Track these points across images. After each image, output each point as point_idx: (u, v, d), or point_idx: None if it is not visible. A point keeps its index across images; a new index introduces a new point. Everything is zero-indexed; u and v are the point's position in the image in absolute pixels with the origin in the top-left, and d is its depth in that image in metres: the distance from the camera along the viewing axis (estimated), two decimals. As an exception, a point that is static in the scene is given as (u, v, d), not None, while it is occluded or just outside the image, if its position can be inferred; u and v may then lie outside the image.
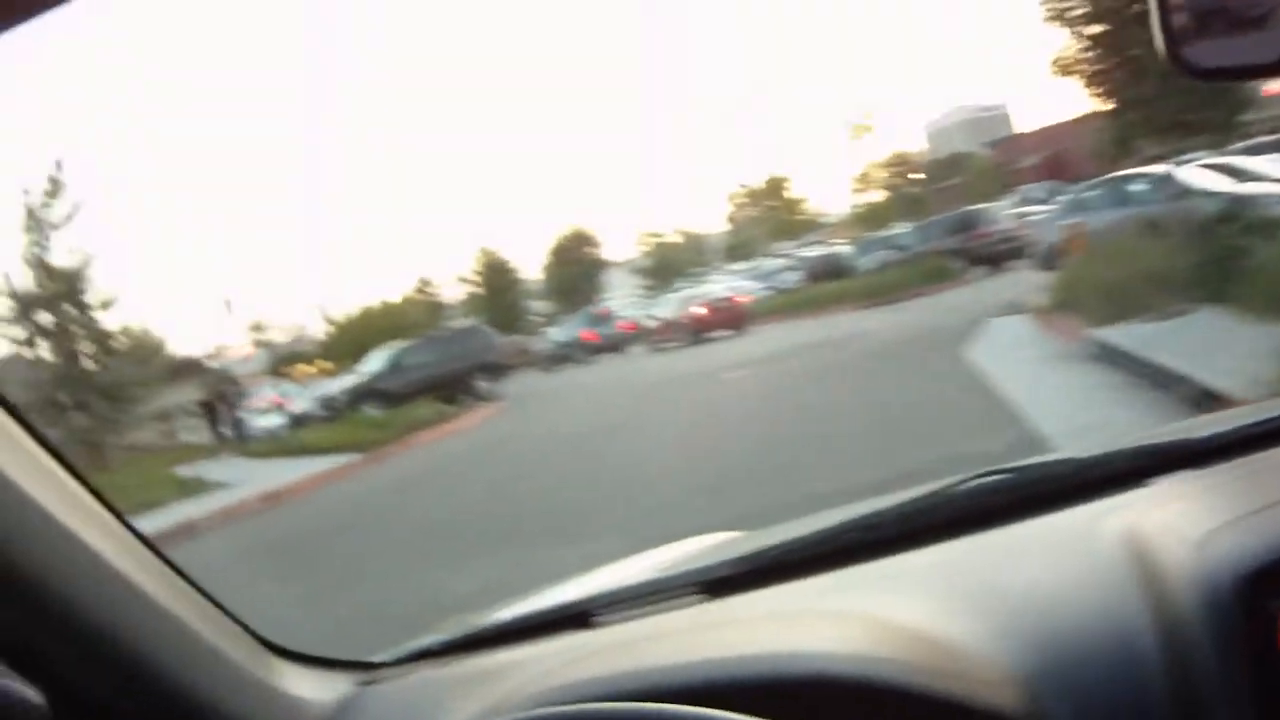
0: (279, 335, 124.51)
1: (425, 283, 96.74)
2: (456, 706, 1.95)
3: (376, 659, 2.35)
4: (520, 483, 18.69)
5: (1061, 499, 2.01)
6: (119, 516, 1.76)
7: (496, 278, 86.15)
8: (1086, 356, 16.12)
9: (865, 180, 51.65)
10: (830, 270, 62.61)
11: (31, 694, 1.51)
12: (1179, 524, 1.65)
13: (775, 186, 57.04)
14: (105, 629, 1.62)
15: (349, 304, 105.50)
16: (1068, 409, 11.90)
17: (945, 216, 51.46)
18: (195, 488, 29.01)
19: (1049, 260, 27.59)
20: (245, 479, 28.75)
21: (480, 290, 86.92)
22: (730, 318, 49.36)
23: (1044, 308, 22.09)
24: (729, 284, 74.08)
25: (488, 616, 2.55)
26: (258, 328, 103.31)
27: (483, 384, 43.54)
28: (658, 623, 2.11)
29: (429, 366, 43.34)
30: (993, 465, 2.19)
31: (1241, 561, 1.44)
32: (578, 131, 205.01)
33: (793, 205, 57.17)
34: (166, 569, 1.84)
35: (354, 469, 28.34)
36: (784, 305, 52.62)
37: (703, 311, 49.71)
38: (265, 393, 71.20)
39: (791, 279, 68.64)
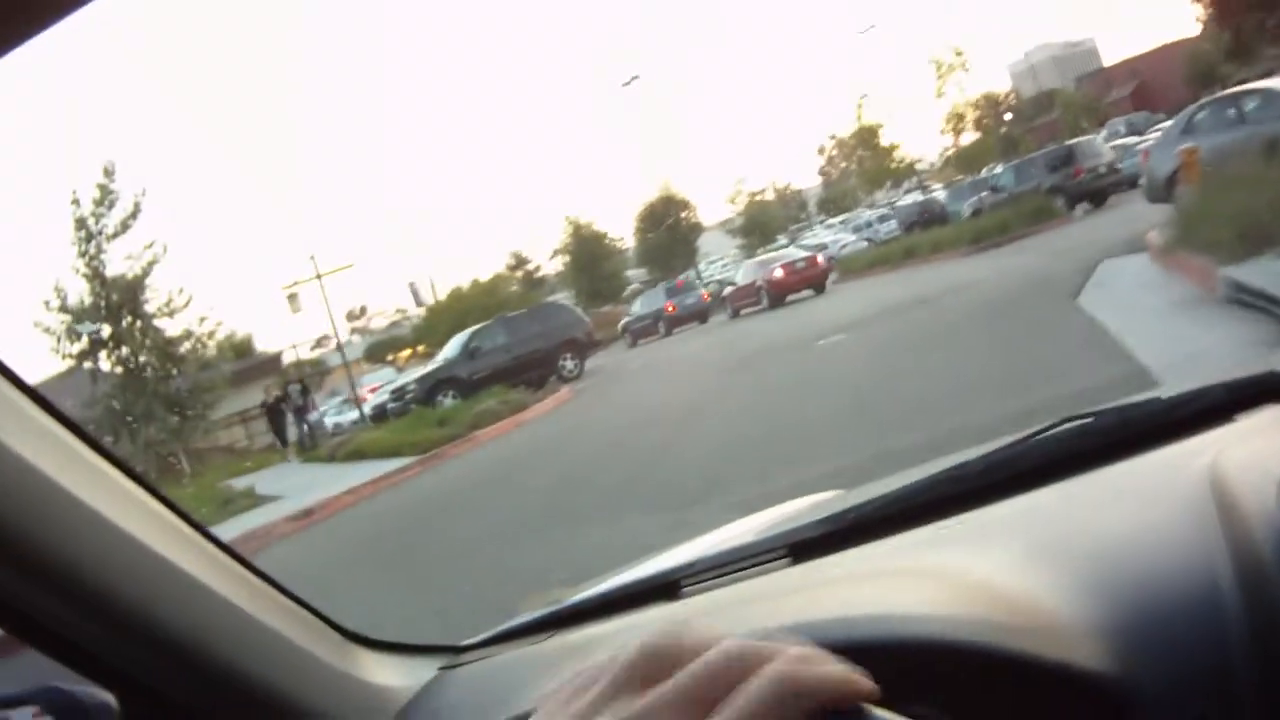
0: (379, 320, 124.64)
1: (520, 258, 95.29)
2: (539, 684, 1.90)
3: (462, 643, 2.34)
4: (578, 492, 16.61)
5: (1148, 441, 1.91)
6: (187, 519, 1.75)
7: (588, 248, 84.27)
8: (1224, 301, 13.61)
9: (957, 122, 49.11)
10: (927, 218, 63.96)
11: (107, 698, 1.60)
12: (1261, 461, 1.54)
13: (867, 135, 54.94)
14: (177, 631, 1.63)
15: (444, 284, 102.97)
16: (1218, 373, 9.85)
17: (1042, 153, 49.60)
18: (243, 503, 28.02)
19: (1162, 191, 25.29)
20: (302, 489, 27.57)
21: (573, 262, 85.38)
22: (810, 278, 49.15)
23: (1165, 245, 19.09)
24: (825, 238, 75.83)
25: (574, 593, 2.51)
26: (354, 315, 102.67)
27: (567, 363, 42.59)
28: (744, 589, 2.07)
29: (507, 349, 42.48)
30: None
31: None
32: (662, 90, 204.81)
33: (885, 153, 55.01)
34: (238, 566, 1.83)
35: (405, 475, 26.59)
36: (879, 258, 51.63)
37: (780, 274, 49.35)
38: (366, 381, 74.07)
39: (887, 229, 67.63)
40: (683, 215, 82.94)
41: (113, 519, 1.57)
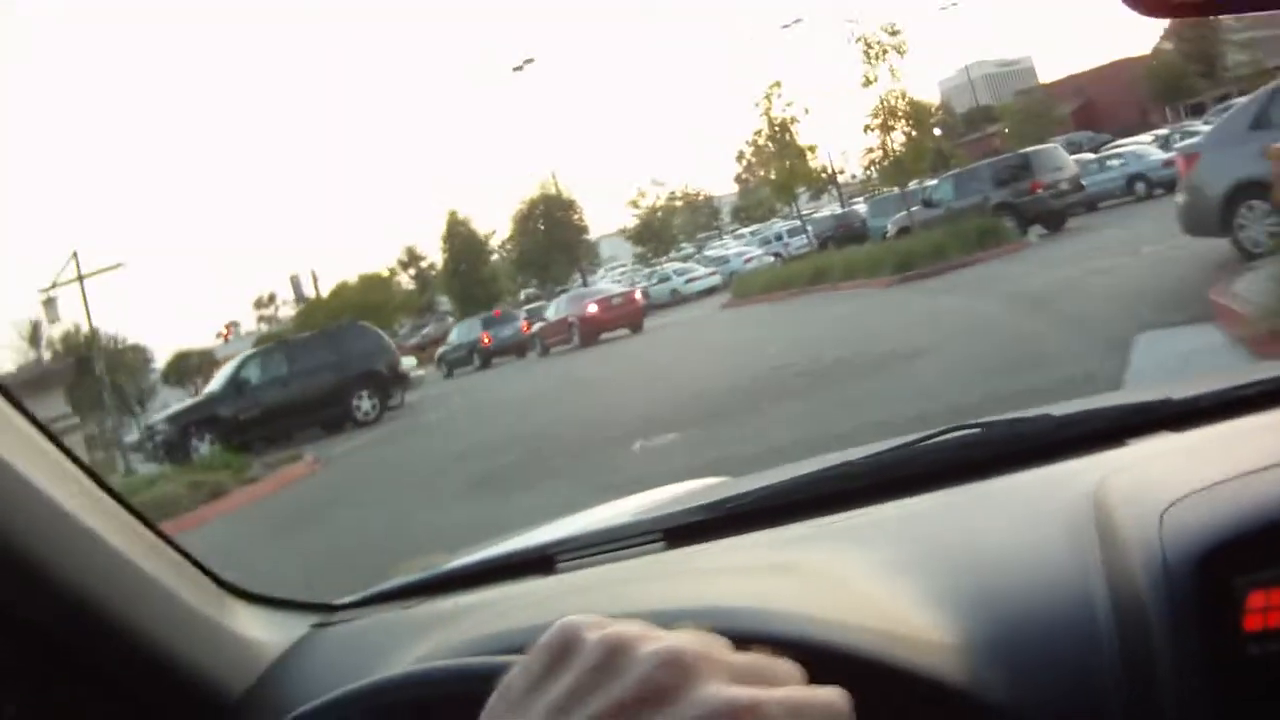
0: (289, 310, 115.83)
1: (413, 254, 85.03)
2: (410, 648, 1.87)
3: (336, 601, 2.30)
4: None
5: (1035, 457, 1.93)
6: (72, 457, 1.74)
7: (465, 248, 74.92)
8: None
9: (888, 117, 39.31)
10: (844, 233, 56.65)
11: None
12: (1146, 490, 1.53)
13: (779, 132, 44.92)
14: (51, 564, 1.61)
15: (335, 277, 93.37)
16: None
17: (990, 163, 40.96)
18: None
19: (1216, 215, 16.11)
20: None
21: (448, 263, 76.07)
22: (625, 316, 45.62)
23: (1261, 315, 10.26)
24: (733, 249, 72.77)
25: (450, 560, 2.51)
26: (262, 302, 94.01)
27: (363, 402, 33.72)
28: (617, 569, 2.08)
29: (285, 383, 34.09)
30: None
31: (1203, 535, 1.35)
32: (561, 78, 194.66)
33: (800, 155, 45.17)
34: (122, 511, 1.81)
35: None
36: (781, 280, 42.81)
37: (593, 310, 45.56)
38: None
39: (798, 244, 60.57)
40: (566, 217, 73.74)
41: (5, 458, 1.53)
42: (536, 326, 50.46)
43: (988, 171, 38.58)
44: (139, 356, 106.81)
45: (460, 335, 57.03)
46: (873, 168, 43.07)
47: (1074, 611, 1.39)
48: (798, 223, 59.50)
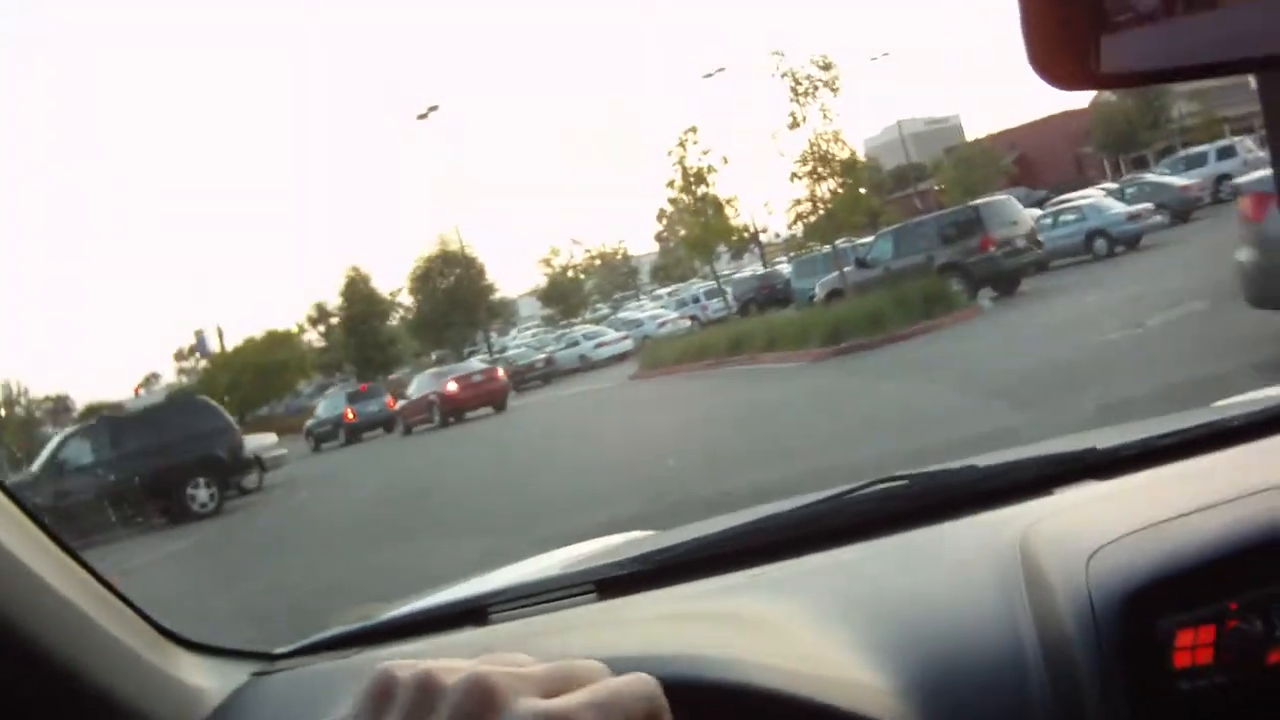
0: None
1: (323, 310, 79.49)
2: (345, 698, 1.54)
3: (276, 650, 2.31)
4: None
5: (962, 507, 1.98)
6: (16, 501, 1.73)
7: (362, 307, 69.49)
8: None
9: (817, 165, 33.94)
10: (766, 295, 54.07)
11: None
12: (1072, 537, 1.61)
13: (694, 182, 39.72)
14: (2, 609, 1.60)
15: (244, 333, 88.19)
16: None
17: (935, 216, 36.50)
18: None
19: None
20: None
21: (344, 323, 70.64)
22: (488, 394, 43.94)
23: None
24: (649, 310, 67.47)
25: (387, 610, 2.54)
26: (183, 354, 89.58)
27: (199, 492, 28.57)
28: (550, 620, 2.11)
29: (107, 469, 28.92)
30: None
31: (1131, 580, 1.43)
32: (469, 126, 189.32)
33: (718, 208, 40.00)
34: (63, 556, 1.80)
35: None
36: (694, 350, 37.30)
37: (453, 388, 43.70)
38: None
39: (716, 307, 55.72)
40: (467, 275, 67.90)
41: None
42: (400, 404, 47.92)
43: (932, 227, 33.63)
44: (59, 405, 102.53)
45: (326, 409, 53.97)
46: (799, 222, 37.36)
47: (1003, 655, 1.43)
48: (716, 285, 54.53)
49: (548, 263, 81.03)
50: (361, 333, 68.55)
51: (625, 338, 56.90)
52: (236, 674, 2.16)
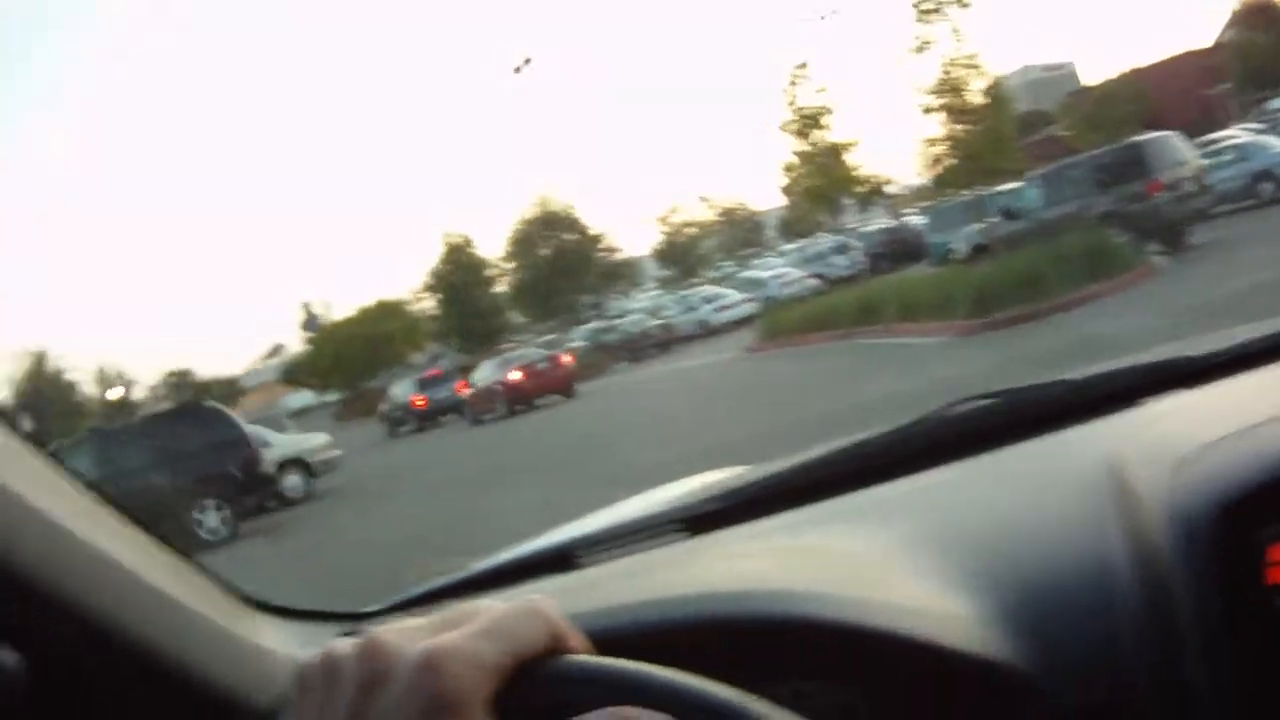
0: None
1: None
2: None
3: (362, 610, 2.25)
4: None
5: (1052, 422, 1.95)
6: (80, 480, 1.66)
7: (463, 277, 65.25)
8: None
9: (952, 97, 28.95)
10: (896, 251, 50.95)
11: (8, 657, 1.55)
12: (1160, 447, 1.57)
13: (808, 124, 35.11)
14: (69, 589, 1.53)
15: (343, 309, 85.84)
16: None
17: (1094, 156, 30.13)
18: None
19: None
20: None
21: (444, 295, 66.62)
22: (554, 382, 42.28)
23: None
24: (774, 269, 61.19)
25: (473, 563, 2.47)
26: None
27: (208, 517, 24.85)
28: (640, 560, 2.08)
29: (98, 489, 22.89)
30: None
31: (1219, 488, 1.36)
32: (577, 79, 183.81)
33: (836, 155, 35.49)
34: (135, 531, 1.75)
35: None
36: (819, 317, 32.24)
37: (517, 377, 42.06)
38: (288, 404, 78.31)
39: (844, 264, 51.41)
40: (571, 237, 63.46)
41: (7, 481, 1.47)
42: (468, 392, 45.99)
43: (1087, 169, 28.43)
44: (181, 380, 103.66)
45: (401, 393, 53.03)
46: (935, 166, 32.45)
47: (1093, 576, 1.39)
48: (844, 239, 49.94)
49: (666, 220, 75.98)
50: (463, 302, 64.56)
51: (747, 300, 52.61)
52: (323, 636, 1.95)
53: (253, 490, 26.23)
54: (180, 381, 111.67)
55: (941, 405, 2.13)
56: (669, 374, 36.98)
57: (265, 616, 1.99)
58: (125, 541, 1.68)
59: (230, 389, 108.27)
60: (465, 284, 64.63)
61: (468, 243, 65.93)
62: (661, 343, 51.05)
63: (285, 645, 1.93)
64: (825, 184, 36.03)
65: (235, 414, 28.87)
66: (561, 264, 61.65)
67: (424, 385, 51.08)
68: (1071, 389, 2.04)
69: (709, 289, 59.04)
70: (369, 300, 76.58)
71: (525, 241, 63.12)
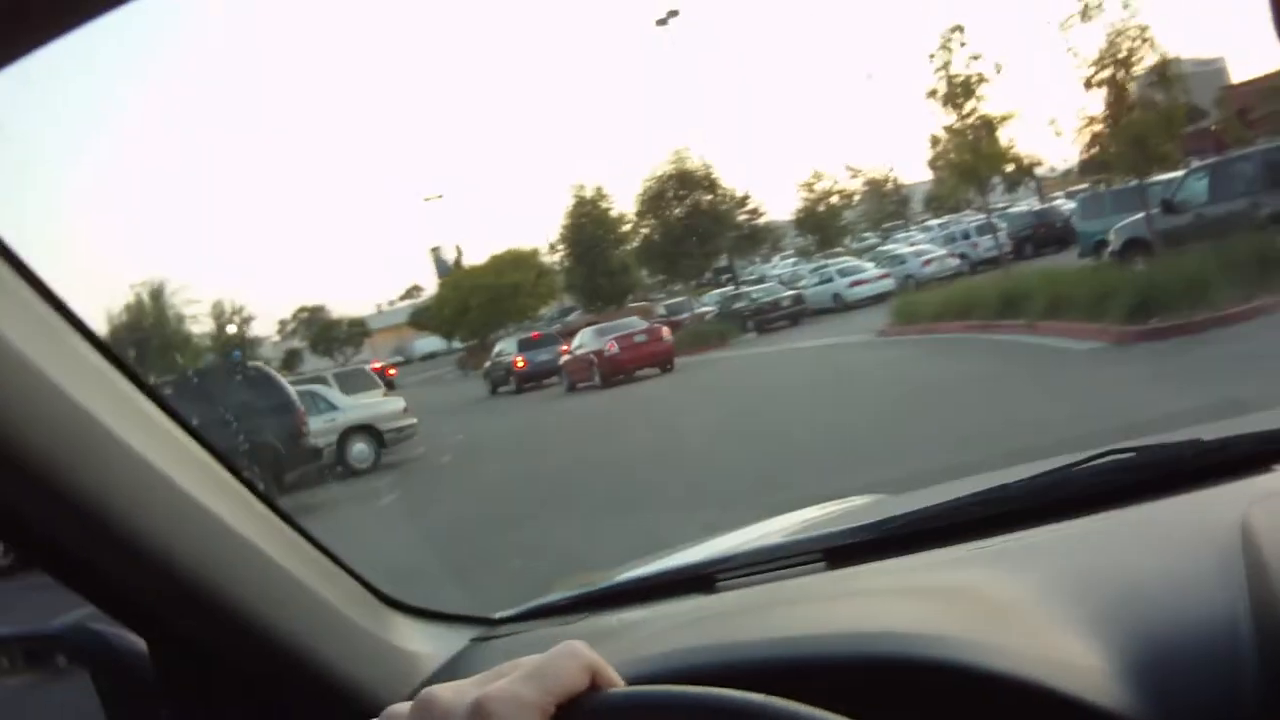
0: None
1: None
2: None
3: (497, 615, 2.37)
4: None
5: (1184, 482, 1.97)
6: (235, 472, 1.77)
7: (593, 231, 62.52)
8: None
9: (1117, 68, 26.32)
10: (1043, 234, 47.20)
11: (137, 642, 1.72)
12: None
13: (959, 92, 32.72)
14: (212, 581, 1.65)
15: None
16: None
17: (1265, 151, 27.57)
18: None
19: None
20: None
21: (572, 249, 63.93)
22: (652, 355, 40.62)
23: None
24: (916, 245, 59.11)
25: (611, 576, 2.57)
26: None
27: None
28: (777, 589, 2.13)
29: None
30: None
31: None
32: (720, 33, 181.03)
33: (988, 129, 33.42)
34: (280, 524, 1.84)
35: None
36: (956, 303, 30.00)
37: (613, 349, 40.21)
38: (417, 349, 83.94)
39: (988, 245, 46.98)
40: (705, 197, 59.43)
41: (157, 465, 1.56)
42: (566, 358, 44.68)
43: (1261, 164, 25.72)
44: (314, 316, 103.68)
45: (504, 351, 51.53)
46: (1093, 146, 29.62)
47: (1219, 640, 1.39)
48: (989, 219, 47.71)
49: (810, 187, 73.24)
50: (591, 258, 61.81)
51: (885, 275, 50.19)
52: (456, 639, 2.20)
53: (297, 462, 24.56)
54: (311, 317, 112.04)
55: (1078, 457, 2.13)
56: (790, 353, 34.98)
57: (403, 616, 2.09)
58: (270, 533, 1.74)
59: (358, 329, 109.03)
60: (594, 239, 61.90)
61: (600, 196, 63.22)
62: (792, 315, 48.70)
63: (421, 645, 2.07)
64: (974, 160, 33.44)
65: (281, 378, 27.90)
66: (694, 224, 57.88)
67: (524, 346, 49.74)
68: (1204, 449, 2.02)
69: (846, 261, 56.27)
70: (500, 249, 75.43)
71: (657, 199, 59.20)
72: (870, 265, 53.36)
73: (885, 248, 63.03)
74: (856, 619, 1.76)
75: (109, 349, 1.56)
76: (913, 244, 59.19)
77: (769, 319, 48.33)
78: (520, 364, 48.33)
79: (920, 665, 1.52)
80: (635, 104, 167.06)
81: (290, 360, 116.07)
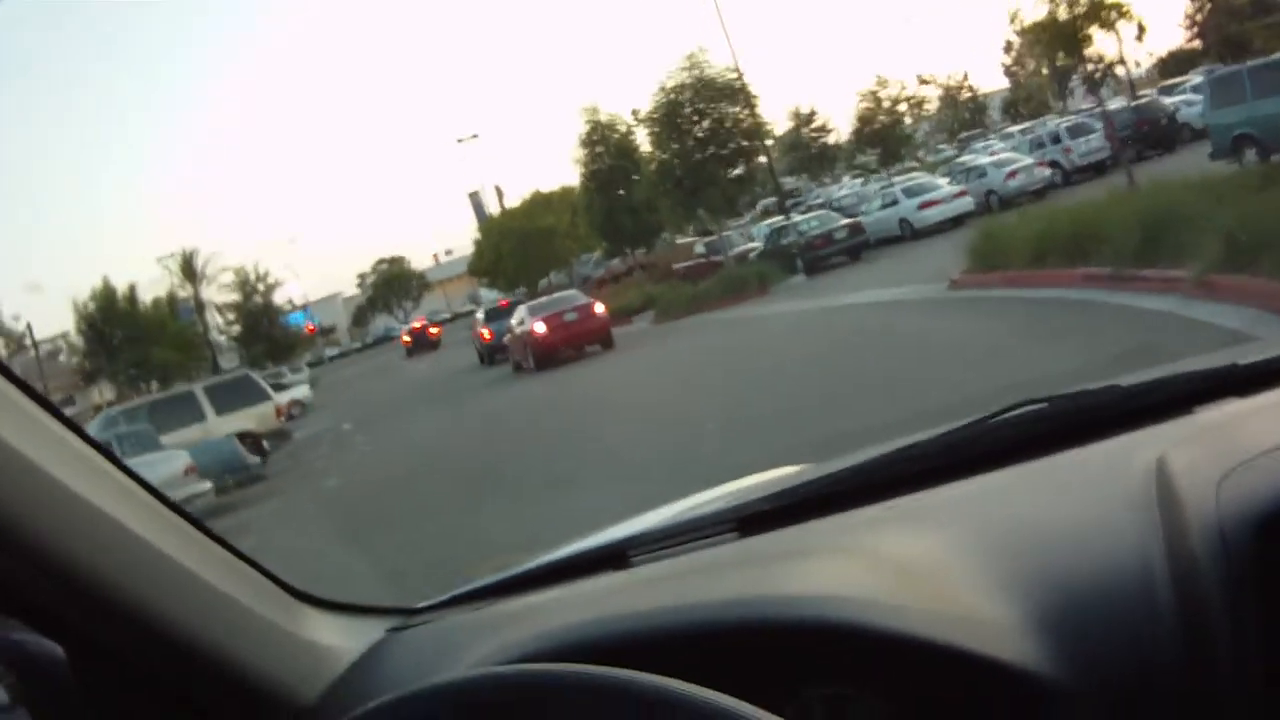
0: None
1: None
2: (484, 647, 1.90)
3: (412, 605, 2.31)
4: None
5: (1102, 429, 1.95)
6: (130, 474, 1.72)
7: (614, 160, 53.10)
8: None
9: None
10: (1149, 133, 40.33)
11: (55, 649, 1.68)
12: (1207, 458, 1.59)
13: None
14: (122, 586, 1.60)
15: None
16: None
17: None
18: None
19: None
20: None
21: (589, 178, 55.05)
22: (587, 333, 36.67)
23: None
24: (996, 154, 48.00)
25: (525, 561, 2.51)
26: None
27: None
28: (691, 560, 2.09)
29: None
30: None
31: (1261, 504, 1.39)
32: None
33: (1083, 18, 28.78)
34: (186, 525, 1.80)
35: None
36: (1058, 237, 19.69)
37: (541, 330, 36.20)
38: (483, 299, 73.61)
39: (1086, 148, 41.08)
40: (728, 110, 47.42)
41: (59, 477, 1.52)
42: (507, 337, 40.62)
43: None
44: (394, 265, 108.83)
45: (479, 319, 48.67)
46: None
47: (1133, 588, 1.41)
48: (1082, 118, 38.35)
49: (874, 95, 63.57)
50: (609, 195, 52.79)
51: (962, 193, 40.84)
52: (372, 631, 2.14)
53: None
54: (390, 268, 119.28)
55: (992, 411, 2.07)
56: (826, 315, 26.35)
57: (315, 610, 2.01)
58: (171, 533, 1.69)
59: (419, 281, 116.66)
60: (611, 172, 52.77)
61: (614, 120, 54.11)
62: (850, 249, 39.70)
63: (336, 638, 1.99)
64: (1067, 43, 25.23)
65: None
66: (716, 144, 46.27)
67: (490, 317, 45.59)
68: (1122, 395, 2.01)
69: (915, 179, 46.29)
70: (528, 192, 74.05)
71: (669, 116, 47.02)
72: (943, 182, 43.71)
73: (962, 159, 53.72)
74: (766, 585, 1.75)
75: (7, 370, 1.53)
76: (992, 154, 49.08)
77: (821, 255, 39.55)
78: (487, 336, 44.66)
79: (828, 628, 1.51)
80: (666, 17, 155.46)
81: (360, 316, 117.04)
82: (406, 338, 79.03)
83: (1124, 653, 1.36)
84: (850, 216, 43.17)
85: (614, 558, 2.21)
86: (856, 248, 39.64)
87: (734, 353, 24.88)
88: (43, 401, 1.58)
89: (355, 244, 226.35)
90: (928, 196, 41.50)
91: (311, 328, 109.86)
